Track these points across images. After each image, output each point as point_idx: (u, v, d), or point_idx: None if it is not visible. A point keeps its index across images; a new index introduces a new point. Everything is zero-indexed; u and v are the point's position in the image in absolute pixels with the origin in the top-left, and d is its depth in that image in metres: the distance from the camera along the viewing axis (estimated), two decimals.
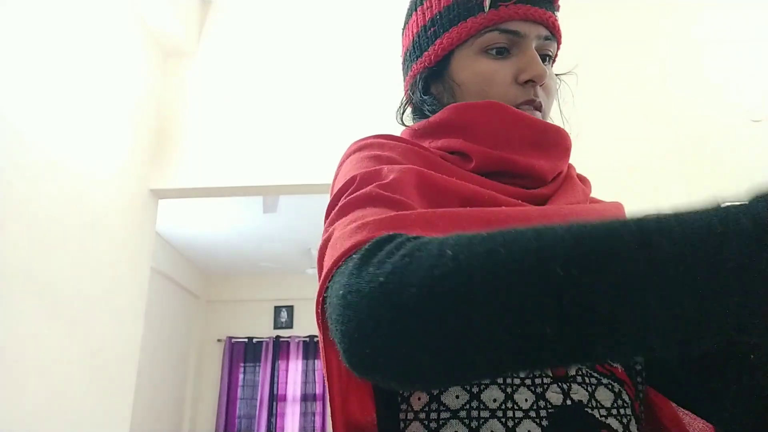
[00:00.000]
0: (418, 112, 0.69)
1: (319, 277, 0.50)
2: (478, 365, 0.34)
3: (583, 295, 0.30)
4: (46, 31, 2.00)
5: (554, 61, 0.69)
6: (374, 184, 0.51)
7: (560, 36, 0.66)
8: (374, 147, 0.59)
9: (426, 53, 0.66)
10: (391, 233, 0.41)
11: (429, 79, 0.66)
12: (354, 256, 0.41)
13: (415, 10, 0.68)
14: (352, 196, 0.51)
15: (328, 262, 0.45)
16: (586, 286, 0.30)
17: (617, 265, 0.30)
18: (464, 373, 0.36)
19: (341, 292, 0.39)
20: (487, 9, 0.61)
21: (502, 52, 0.62)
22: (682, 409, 0.58)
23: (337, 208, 0.51)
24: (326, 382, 0.49)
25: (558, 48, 0.67)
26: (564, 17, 0.68)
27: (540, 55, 0.63)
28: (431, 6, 0.66)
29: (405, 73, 0.71)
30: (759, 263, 0.29)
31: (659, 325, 0.30)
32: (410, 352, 0.34)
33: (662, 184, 2.29)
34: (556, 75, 0.71)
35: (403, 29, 0.72)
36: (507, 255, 0.33)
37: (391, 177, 0.52)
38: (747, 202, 0.31)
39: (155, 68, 2.76)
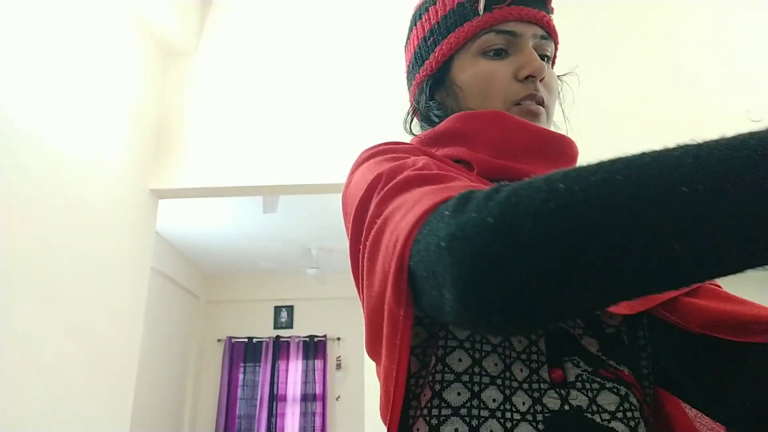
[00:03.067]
0: (426, 120, 0.69)
1: (362, 287, 0.50)
2: (607, 291, 0.34)
3: (710, 209, 0.30)
4: (46, 31, 2.00)
5: (553, 62, 0.70)
6: (409, 170, 0.50)
7: (556, 36, 0.67)
8: (388, 151, 0.59)
9: (427, 62, 0.67)
10: (473, 189, 0.39)
11: (433, 86, 0.67)
12: (443, 211, 0.39)
13: (415, 25, 0.71)
14: (392, 183, 0.50)
15: (401, 229, 0.42)
16: (712, 199, 0.30)
17: (740, 176, 0.30)
18: (591, 300, 0.35)
19: (442, 243, 0.37)
20: (482, 12, 0.62)
21: (500, 53, 0.63)
22: (698, 420, 0.58)
23: (375, 201, 0.50)
24: (391, 362, 0.46)
25: (555, 49, 0.68)
26: (564, 18, 0.68)
27: (540, 54, 0.64)
28: (429, 18, 0.68)
29: (409, 86, 0.73)
30: None
31: None
32: (532, 286, 0.34)
33: None
34: (558, 76, 0.71)
35: (405, 46, 0.74)
36: (625, 180, 0.32)
37: (420, 163, 0.52)
38: None
39: (155, 68, 2.76)
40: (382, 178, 0.52)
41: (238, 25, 2.90)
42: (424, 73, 0.68)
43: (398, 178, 0.50)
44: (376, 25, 2.81)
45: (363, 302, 0.53)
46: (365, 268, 0.50)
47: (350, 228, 0.54)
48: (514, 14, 0.62)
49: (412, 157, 0.54)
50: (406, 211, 0.44)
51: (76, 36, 2.16)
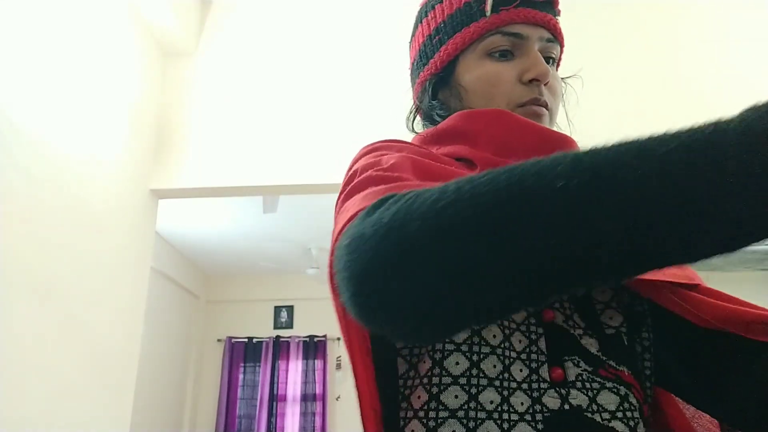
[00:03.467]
0: (428, 119, 0.69)
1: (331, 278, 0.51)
2: (495, 294, 0.33)
3: (582, 205, 0.30)
4: (46, 31, 2.00)
5: (558, 64, 0.70)
6: (373, 169, 0.51)
7: (562, 39, 0.67)
8: (383, 149, 0.59)
9: (432, 60, 0.67)
10: (394, 192, 0.40)
11: (436, 85, 0.67)
12: (362, 213, 0.40)
13: (420, 22, 0.70)
14: (354, 182, 0.51)
15: (334, 235, 0.44)
16: (586, 195, 0.30)
17: (612, 173, 0.30)
18: (481, 305, 0.34)
19: (345, 242, 0.38)
20: (489, 13, 0.62)
21: (506, 55, 0.63)
22: (696, 421, 0.58)
23: (343, 195, 0.52)
24: (351, 362, 0.48)
25: (561, 51, 0.68)
26: (565, 19, 0.68)
27: (543, 57, 0.64)
28: (435, 16, 0.67)
29: (413, 83, 0.73)
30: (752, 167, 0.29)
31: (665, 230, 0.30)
32: (419, 288, 0.33)
33: None
34: (562, 78, 0.71)
35: (410, 42, 0.74)
36: (508, 178, 0.32)
37: (390, 163, 0.52)
38: (737, 116, 0.31)
39: (155, 68, 2.76)
40: (356, 175, 0.53)
41: (238, 25, 2.90)
42: (429, 71, 0.68)
43: (363, 175, 0.51)
44: (377, 25, 2.81)
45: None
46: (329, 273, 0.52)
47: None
48: (521, 16, 0.62)
49: (386, 156, 0.54)
50: (347, 211, 0.45)
51: (76, 36, 2.16)
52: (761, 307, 0.50)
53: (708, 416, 0.57)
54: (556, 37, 0.65)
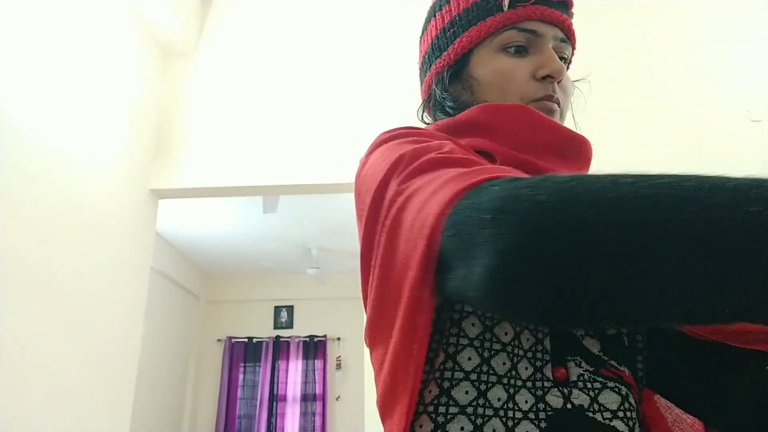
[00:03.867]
0: (440, 110, 0.69)
1: (375, 267, 0.49)
2: (646, 298, 0.32)
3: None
4: (46, 31, 2.00)
5: (569, 65, 0.70)
6: (436, 151, 0.50)
7: (575, 40, 0.68)
8: (408, 135, 0.58)
9: (445, 53, 0.67)
10: (509, 175, 0.39)
11: (448, 78, 0.67)
12: (489, 186, 0.38)
13: (434, 16, 0.70)
14: (416, 163, 0.49)
15: (432, 205, 0.42)
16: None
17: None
18: (627, 307, 0.33)
19: (486, 215, 0.36)
20: (506, 8, 0.62)
21: (520, 51, 0.63)
22: (676, 425, 0.58)
23: (398, 179, 0.49)
24: (403, 350, 0.46)
25: (572, 53, 0.69)
26: (576, 21, 0.69)
27: (559, 56, 0.65)
28: (450, 10, 0.68)
29: (423, 76, 0.73)
30: None
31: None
32: (577, 271, 0.33)
33: None
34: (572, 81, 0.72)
35: (422, 36, 0.74)
36: (696, 188, 0.31)
37: (447, 148, 0.51)
38: None
39: (155, 68, 2.76)
40: (404, 159, 0.51)
41: (238, 25, 2.90)
42: (442, 63, 0.68)
43: (423, 158, 0.49)
44: (377, 25, 2.81)
45: (372, 283, 0.52)
46: (382, 248, 0.49)
47: (367, 209, 0.53)
48: (538, 14, 0.62)
49: (436, 141, 0.53)
50: (435, 190, 0.43)
51: (76, 36, 2.16)
52: None
53: (689, 421, 0.57)
54: (569, 37, 0.66)
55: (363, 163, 0.60)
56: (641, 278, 0.31)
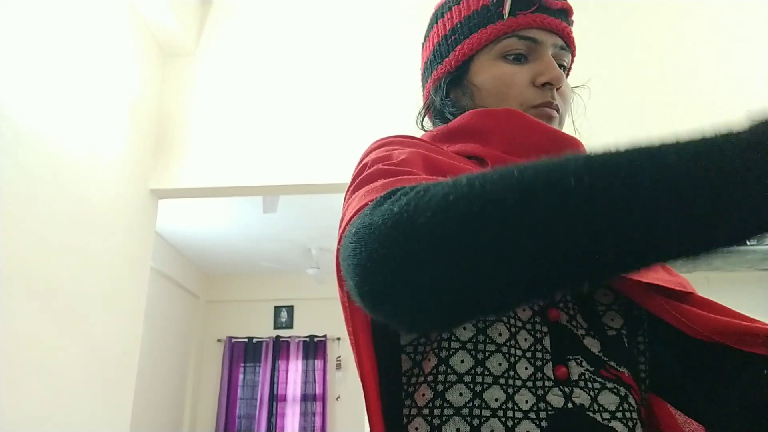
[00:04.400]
0: (439, 117, 0.70)
1: (338, 271, 0.51)
2: (499, 288, 0.34)
3: (588, 205, 0.31)
4: (46, 31, 2.00)
5: (568, 73, 0.71)
6: (383, 162, 0.52)
7: (574, 48, 0.69)
8: (394, 144, 0.59)
9: (447, 59, 0.68)
10: (404, 185, 0.40)
11: (449, 84, 0.68)
12: (371, 205, 0.41)
13: (436, 23, 0.72)
14: (364, 174, 0.51)
15: (342, 225, 0.45)
16: (598, 194, 0.31)
17: (625, 174, 0.31)
18: (484, 298, 0.35)
19: (353, 230, 0.39)
20: (506, 16, 0.63)
21: (520, 59, 0.64)
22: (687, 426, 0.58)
23: (351, 187, 0.52)
24: (356, 356, 0.49)
25: (572, 60, 0.69)
26: (575, 27, 0.69)
27: (558, 63, 0.65)
28: (452, 17, 0.69)
29: (424, 83, 0.74)
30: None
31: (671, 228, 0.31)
32: (426, 277, 0.34)
33: None
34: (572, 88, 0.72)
35: (424, 42, 0.75)
36: (520, 175, 0.33)
37: (400, 158, 0.52)
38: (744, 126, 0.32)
39: (155, 68, 2.76)
40: (366, 168, 0.53)
41: (238, 25, 2.90)
42: (443, 70, 0.69)
43: (373, 168, 0.51)
44: (377, 26, 2.81)
45: None
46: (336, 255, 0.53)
47: None
48: (538, 22, 0.63)
49: (397, 150, 0.54)
50: (355, 202, 0.45)
51: (76, 36, 2.16)
52: (753, 318, 0.51)
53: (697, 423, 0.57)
54: (569, 45, 0.67)
55: (353, 173, 0.62)
56: (484, 270, 0.33)
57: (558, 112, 0.64)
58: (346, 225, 0.43)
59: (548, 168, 0.32)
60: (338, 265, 0.45)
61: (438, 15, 0.72)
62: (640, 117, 2.50)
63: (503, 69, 0.64)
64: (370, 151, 0.60)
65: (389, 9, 2.80)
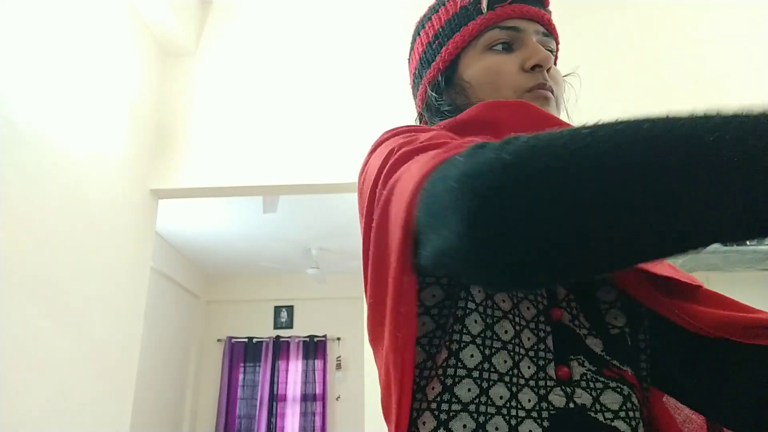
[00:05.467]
0: (437, 116, 0.70)
1: (368, 265, 0.49)
2: (614, 244, 0.32)
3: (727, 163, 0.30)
4: (46, 31, 2.00)
5: (556, 59, 0.71)
6: (416, 143, 0.50)
7: (556, 34, 0.70)
8: (410, 131, 0.59)
9: (434, 63, 0.69)
10: (487, 141, 0.38)
11: (440, 86, 0.69)
12: (455, 158, 0.38)
13: (418, 35, 0.73)
14: (400, 151, 0.50)
15: (406, 189, 0.42)
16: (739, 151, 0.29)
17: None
18: (599, 252, 0.33)
19: (452, 183, 0.36)
20: (485, 10, 0.65)
21: (506, 48, 0.65)
22: (686, 426, 0.58)
23: (383, 174, 0.50)
24: (393, 315, 0.46)
25: (557, 47, 0.70)
26: (566, 19, 0.69)
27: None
28: (433, 25, 0.71)
29: (415, 93, 0.75)
30: None
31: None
32: (543, 226, 0.32)
33: None
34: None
35: (409, 58, 0.76)
36: (649, 129, 0.32)
37: (429, 135, 0.52)
38: None
39: (155, 68, 2.76)
40: (393, 154, 0.52)
41: (238, 26, 2.90)
42: (431, 74, 0.70)
43: (404, 149, 0.50)
44: (377, 26, 2.81)
45: (367, 283, 0.52)
46: (373, 245, 0.49)
47: (365, 209, 0.54)
48: (517, 11, 0.65)
49: (423, 134, 0.54)
50: (410, 176, 0.43)
51: (76, 36, 2.16)
52: (758, 309, 0.51)
53: (698, 421, 0.57)
54: (551, 32, 0.68)
55: (365, 164, 0.60)
56: (614, 217, 0.31)
57: (553, 94, 0.64)
58: (415, 188, 0.40)
59: (676, 123, 0.31)
60: (376, 241, 0.43)
61: (419, 27, 0.73)
62: (640, 113, 2.50)
63: (491, 59, 0.65)
64: (384, 140, 0.59)
65: (389, 10, 2.80)
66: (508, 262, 0.34)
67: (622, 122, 0.33)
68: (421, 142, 0.50)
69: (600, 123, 0.34)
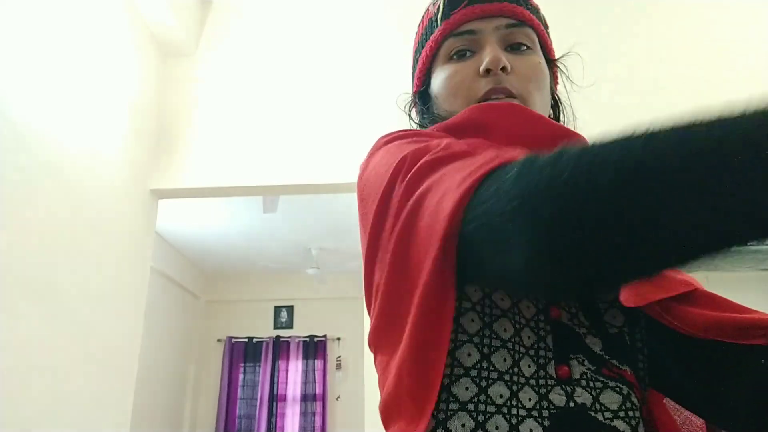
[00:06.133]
0: (429, 121, 0.71)
1: (382, 272, 0.49)
2: (678, 249, 0.33)
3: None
4: (46, 31, 2.00)
5: (549, 47, 0.70)
6: (434, 150, 0.50)
7: (532, 20, 0.67)
8: (410, 135, 0.59)
9: (415, 79, 0.72)
10: (533, 155, 0.39)
11: (419, 101, 0.72)
12: (503, 176, 0.39)
13: (415, 45, 0.75)
14: (420, 164, 0.50)
15: (444, 206, 0.42)
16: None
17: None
18: (660, 259, 0.34)
19: (512, 204, 0.36)
20: (440, 21, 0.65)
21: (464, 55, 0.65)
22: (686, 426, 0.58)
23: (403, 185, 0.50)
24: (424, 333, 0.46)
25: (540, 33, 0.68)
26: (561, 10, 0.69)
27: (511, 43, 0.65)
28: (415, 40, 0.73)
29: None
30: None
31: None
32: (610, 242, 0.33)
33: None
34: (555, 60, 0.72)
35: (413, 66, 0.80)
36: (703, 141, 0.32)
37: (444, 143, 0.52)
38: None
39: (155, 68, 2.76)
40: (406, 161, 0.51)
41: (238, 25, 2.90)
42: (415, 89, 0.73)
43: (426, 158, 0.49)
44: (377, 26, 2.81)
45: (380, 289, 0.52)
46: (392, 254, 0.49)
47: (372, 215, 0.53)
48: (470, 14, 0.64)
49: (435, 140, 0.54)
50: (446, 189, 0.43)
51: (76, 36, 2.16)
52: (753, 310, 0.51)
53: (698, 423, 0.57)
54: (522, 20, 0.65)
55: (364, 168, 0.60)
56: (680, 219, 0.32)
57: (515, 96, 0.62)
58: (460, 201, 0.40)
59: (728, 129, 0.32)
60: (398, 253, 0.43)
61: (415, 38, 0.75)
62: (640, 112, 2.50)
63: (447, 70, 0.65)
64: (381, 146, 0.59)
65: (389, 10, 2.80)
66: (576, 282, 0.36)
67: (670, 129, 0.33)
68: (442, 151, 0.49)
69: (649, 130, 0.34)
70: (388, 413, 0.51)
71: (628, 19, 2.72)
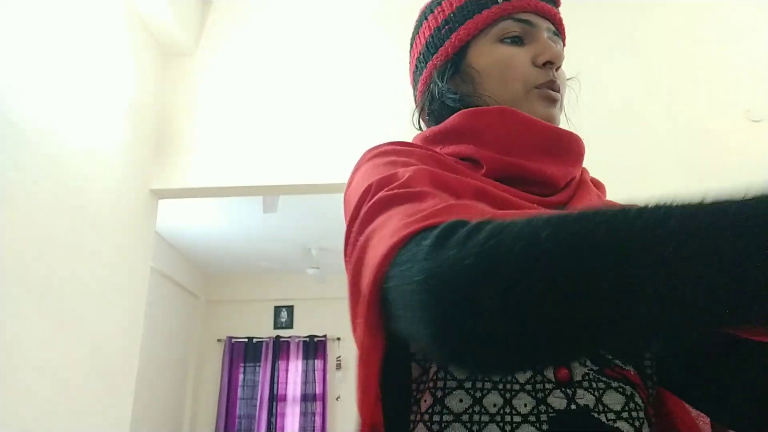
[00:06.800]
0: (433, 115, 0.69)
1: (354, 298, 0.50)
2: (583, 339, 0.34)
3: (681, 270, 0.30)
4: (46, 31, 2.00)
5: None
6: (393, 184, 0.51)
7: (565, 36, 0.69)
8: (390, 153, 0.59)
9: (442, 48, 0.68)
10: (458, 219, 0.39)
11: (446, 72, 0.68)
12: (421, 241, 0.39)
13: (426, 19, 0.72)
14: (375, 199, 0.50)
15: (376, 254, 0.43)
16: (683, 264, 0.30)
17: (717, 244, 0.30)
18: (566, 347, 0.34)
19: (419, 278, 0.37)
20: (501, 1, 0.64)
21: (517, 41, 0.65)
22: (701, 419, 0.58)
23: (359, 218, 0.51)
24: (360, 373, 0.47)
25: (563, 47, 0.70)
26: (563, 16, 0.69)
27: None
28: (443, 10, 0.69)
29: (416, 80, 0.73)
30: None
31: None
32: (515, 332, 0.33)
33: (662, 186, 2.29)
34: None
35: (412, 41, 0.75)
36: (606, 233, 0.32)
37: (406, 176, 0.52)
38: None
39: (155, 68, 2.76)
40: (370, 191, 0.52)
41: (238, 26, 2.90)
42: (438, 59, 0.69)
43: (382, 193, 0.50)
44: (376, 27, 2.81)
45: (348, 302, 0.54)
46: (349, 284, 0.51)
47: (345, 234, 0.54)
48: (532, 5, 0.65)
49: (402, 169, 0.53)
50: (383, 236, 0.44)
51: (75, 36, 2.16)
52: None
53: (707, 418, 0.57)
54: (560, 32, 0.68)
55: (349, 182, 0.61)
56: (581, 316, 0.32)
57: (559, 93, 0.64)
58: (387, 255, 0.41)
59: (636, 227, 0.31)
60: (371, 303, 0.43)
61: (426, 13, 0.72)
62: (639, 113, 2.50)
63: (503, 51, 0.64)
64: (365, 162, 0.59)
65: (389, 10, 2.80)
66: (475, 362, 0.37)
67: (580, 220, 0.33)
68: (399, 187, 0.50)
69: (559, 220, 0.34)
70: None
71: (618, 50, 2.72)
